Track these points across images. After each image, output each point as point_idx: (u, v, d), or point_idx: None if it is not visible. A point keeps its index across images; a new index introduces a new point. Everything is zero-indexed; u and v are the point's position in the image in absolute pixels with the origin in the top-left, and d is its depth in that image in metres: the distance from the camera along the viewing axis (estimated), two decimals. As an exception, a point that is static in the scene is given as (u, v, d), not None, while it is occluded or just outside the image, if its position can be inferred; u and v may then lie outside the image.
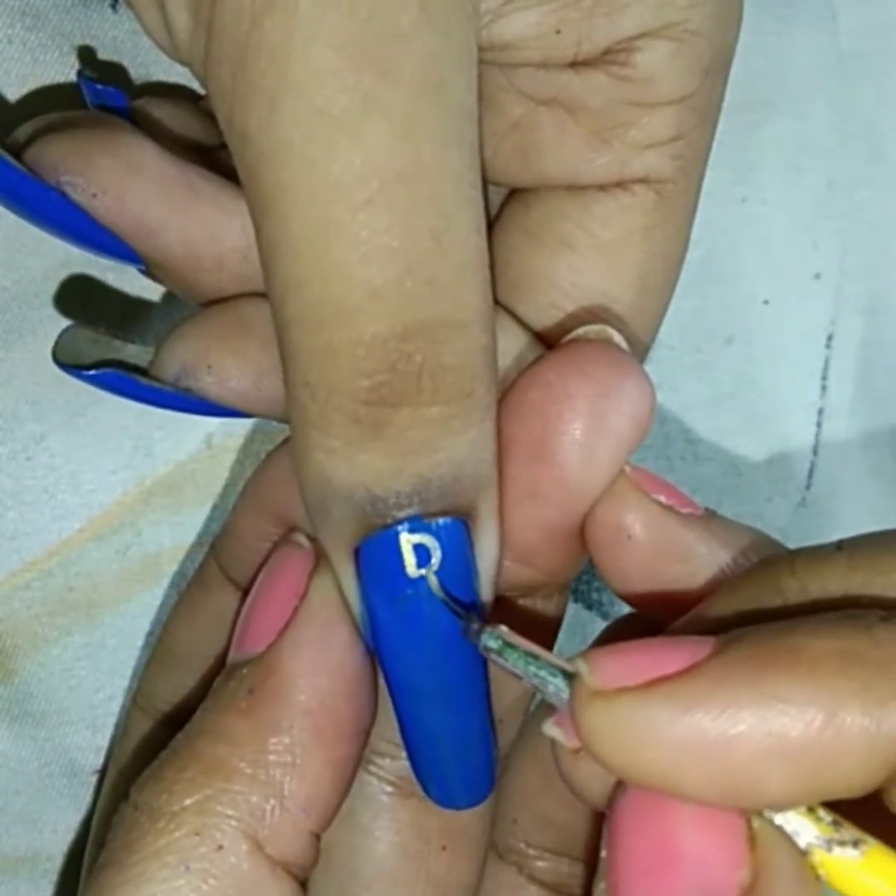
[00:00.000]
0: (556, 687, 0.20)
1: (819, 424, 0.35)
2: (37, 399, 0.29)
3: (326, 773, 0.22)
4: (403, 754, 0.24)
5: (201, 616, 0.27)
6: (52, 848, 0.30)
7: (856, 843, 0.19)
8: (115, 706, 0.30)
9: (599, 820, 0.23)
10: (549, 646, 0.26)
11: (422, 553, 0.22)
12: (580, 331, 0.23)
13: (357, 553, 0.22)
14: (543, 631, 0.26)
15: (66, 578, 0.29)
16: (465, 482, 0.22)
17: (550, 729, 0.21)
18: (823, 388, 0.35)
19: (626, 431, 0.23)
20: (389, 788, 0.25)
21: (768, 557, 0.22)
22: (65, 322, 0.28)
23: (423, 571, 0.22)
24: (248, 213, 0.21)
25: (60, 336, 0.25)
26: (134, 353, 0.26)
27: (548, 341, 0.25)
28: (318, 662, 0.23)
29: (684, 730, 0.18)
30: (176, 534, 0.30)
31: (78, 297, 0.29)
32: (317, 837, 0.23)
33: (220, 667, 0.26)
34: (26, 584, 0.29)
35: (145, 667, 0.28)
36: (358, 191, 0.20)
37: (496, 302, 0.25)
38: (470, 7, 0.21)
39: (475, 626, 0.22)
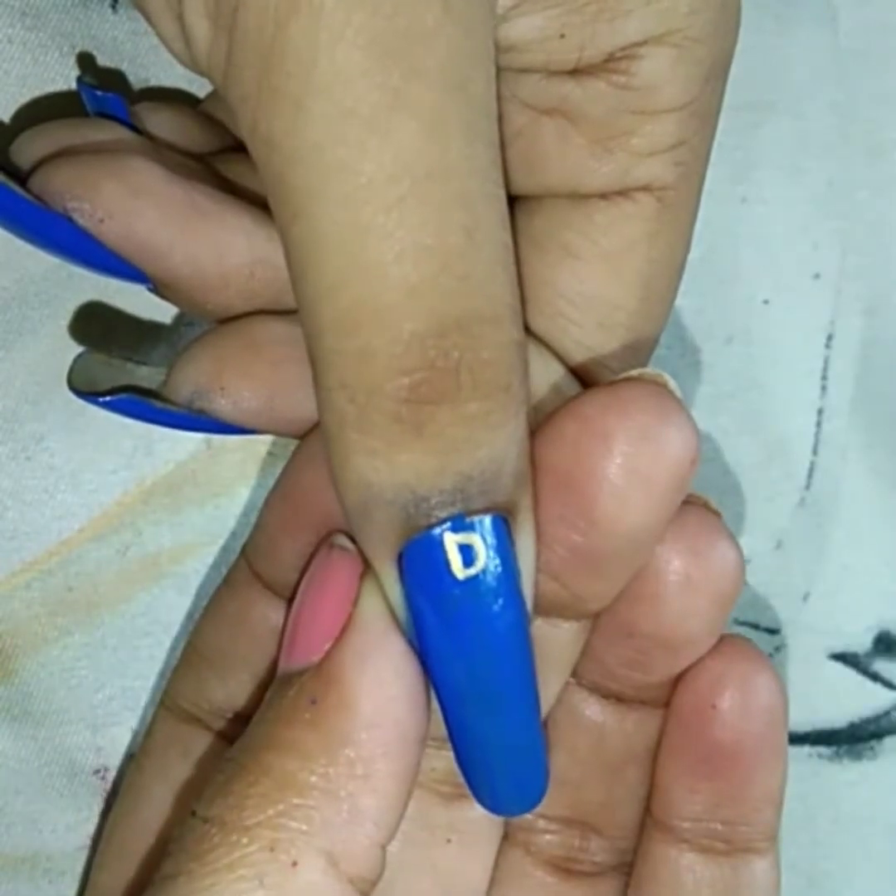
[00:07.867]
0: None
1: (819, 424, 0.35)
2: (37, 399, 0.29)
3: (393, 784, 0.22)
4: None
5: (228, 617, 0.27)
6: (52, 848, 0.30)
7: None
8: (116, 706, 0.30)
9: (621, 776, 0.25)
10: (565, 674, 0.25)
11: (467, 553, 0.21)
12: (635, 372, 0.23)
13: (400, 557, 0.22)
14: (562, 656, 0.25)
15: (66, 578, 0.30)
16: (506, 478, 0.21)
17: None
18: (823, 388, 0.35)
19: (663, 479, 0.22)
20: None
21: None
22: (70, 339, 0.29)
23: (469, 571, 0.21)
24: (272, 220, 0.21)
25: (74, 362, 0.26)
26: (146, 375, 0.26)
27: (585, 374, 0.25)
28: (379, 671, 0.22)
29: None
30: (176, 534, 0.30)
31: (89, 318, 0.29)
32: (384, 850, 0.22)
33: (248, 668, 0.26)
34: (26, 584, 0.29)
35: (175, 667, 0.28)
36: (390, 190, 0.20)
37: (528, 332, 0.25)
38: (488, 5, 0.21)
39: None
